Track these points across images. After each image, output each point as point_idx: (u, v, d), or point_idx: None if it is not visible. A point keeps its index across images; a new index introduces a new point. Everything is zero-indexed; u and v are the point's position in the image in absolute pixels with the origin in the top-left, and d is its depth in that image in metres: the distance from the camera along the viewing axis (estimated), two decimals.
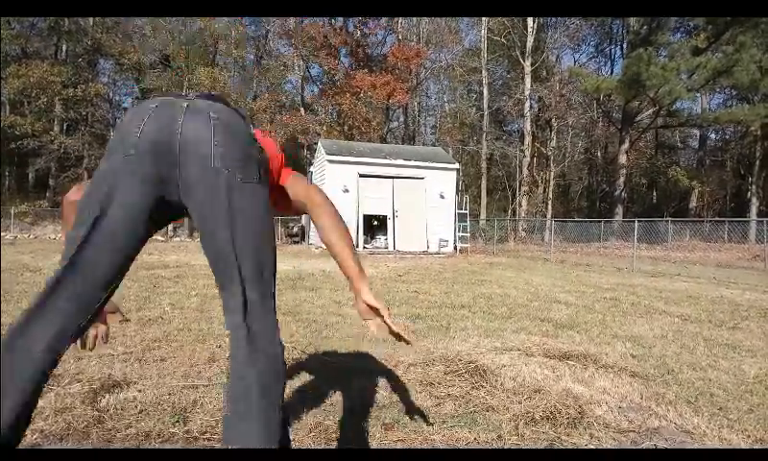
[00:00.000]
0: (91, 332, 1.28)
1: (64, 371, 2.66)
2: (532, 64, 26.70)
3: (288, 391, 2.48)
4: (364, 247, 15.47)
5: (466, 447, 1.95)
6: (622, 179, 25.27)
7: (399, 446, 1.94)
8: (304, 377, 2.70)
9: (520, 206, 26.64)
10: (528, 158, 27.05)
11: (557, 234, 20.23)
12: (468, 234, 18.05)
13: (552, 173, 27.99)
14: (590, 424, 2.17)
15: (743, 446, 2.04)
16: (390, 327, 1.21)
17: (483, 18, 27.15)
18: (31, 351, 0.93)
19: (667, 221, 20.15)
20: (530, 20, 26.20)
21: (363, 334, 3.66)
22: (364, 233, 15.73)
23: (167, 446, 1.88)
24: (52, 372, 0.97)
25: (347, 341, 3.53)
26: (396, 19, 28.53)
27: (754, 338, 4.17)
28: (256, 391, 0.96)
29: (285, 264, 10.34)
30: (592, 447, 1.98)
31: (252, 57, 30.03)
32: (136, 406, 2.20)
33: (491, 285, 7.31)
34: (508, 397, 2.45)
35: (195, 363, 2.92)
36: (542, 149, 29.13)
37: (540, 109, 29.00)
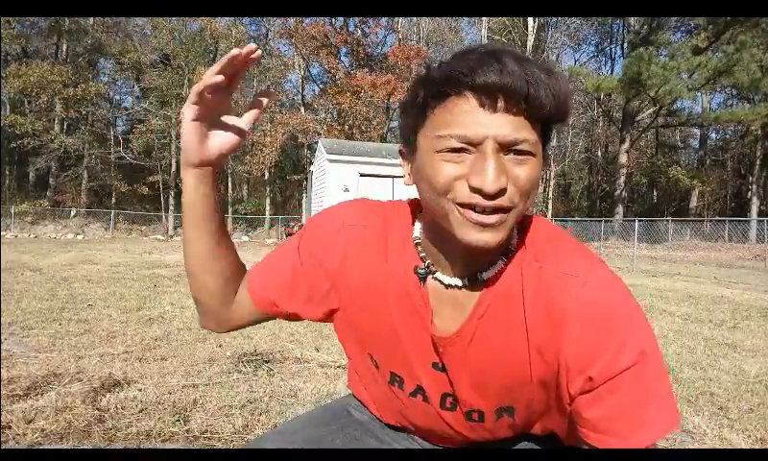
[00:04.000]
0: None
1: (65, 370, 2.66)
2: None
3: (288, 390, 2.49)
4: None
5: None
6: (622, 178, 25.26)
7: None
8: (305, 376, 2.70)
9: None
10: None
11: None
12: None
13: (552, 172, 27.97)
14: None
15: (743, 445, 2.04)
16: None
17: (483, 18, 27.14)
18: None
19: (668, 220, 20.16)
20: (530, 20, 26.18)
21: None
22: None
23: (168, 445, 1.88)
24: None
25: None
26: (396, 19, 28.52)
27: (754, 338, 4.17)
28: None
29: None
30: None
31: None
32: (137, 405, 2.20)
33: None
34: None
35: (195, 362, 2.92)
36: None
37: None
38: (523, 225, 0.70)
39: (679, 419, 0.64)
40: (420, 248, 0.71)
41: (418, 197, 0.71)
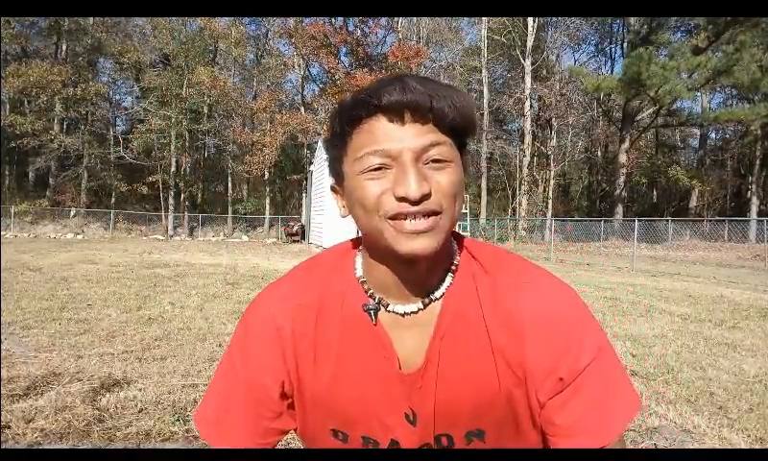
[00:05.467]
0: None
1: (64, 370, 2.66)
2: (532, 64, 26.67)
3: None
4: None
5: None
6: (622, 178, 25.27)
7: None
8: None
9: (520, 205, 26.63)
10: (528, 158, 27.03)
11: (557, 234, 20.23)
12: (469, 234, 18.05)
13: (552, 172, 27.95)
14: None
15: (743, 445, 2.04)
16: None
17: (483, 18, 27.15)
18: None
19: (667, 220, 20.17)
20: (530, 20, 26.19)
21: None
22: None
23: (167, 445, 1.88)
24: None
25: None
26: (396, 19, 28.52)
27: (754, 337, 4.17)
28: None
29: (286, 263, 10.33)
30: None
31: (252, 56, 30.02)
32: (136, 405, 2.20)
33: None
34: None
35: (195, 362, 2.92)
36: (543, 148, 29.11)
37: (540, 109, 28.97)
38: (463, 244, 0.73)
39: (640, 401, 0.68)
40: (366, 285, 0.72)
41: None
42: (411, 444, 0.72)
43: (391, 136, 0.61)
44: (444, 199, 0.62)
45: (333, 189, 0.72)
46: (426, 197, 0.61)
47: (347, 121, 0.64)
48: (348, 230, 14.93)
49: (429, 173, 0.62)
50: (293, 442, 1.97)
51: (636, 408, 0.66)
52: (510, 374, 0.67)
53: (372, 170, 0.62)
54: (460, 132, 0.65)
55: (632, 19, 25.20)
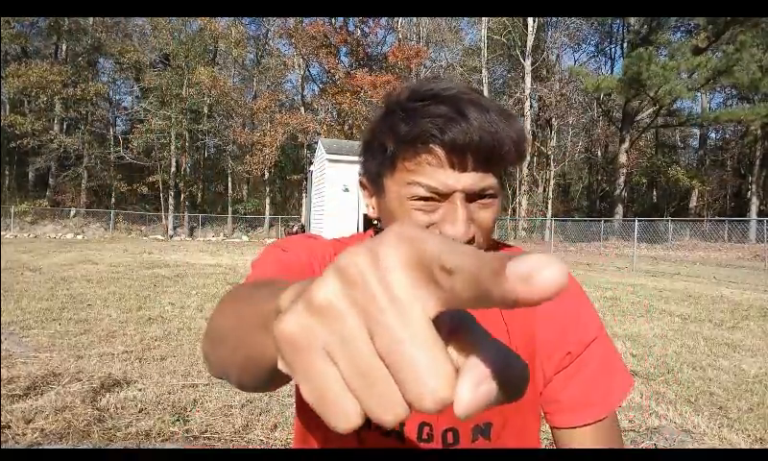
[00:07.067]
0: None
1: (64, 370, 2.66)
2: (532, 64, 26.67)
3: (288, 389, 2.48)
4: None
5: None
6: (622, 178, 25.27)
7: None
8: None
9: (520, 205, 26.63)
10: (528, 158, 27.04)
11: (557, 234, 20.24)
12: None
13: (552, 172, 27.96)
14: None
15: (743, 445, 2.04)
16: None
17: (483, 18, 27.16)
18: None
19: (667, 220, 20.18)
20: (530, 20, 26.19)
21: None
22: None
23: (167, 445, 1.88)
24: None
25: None
26: (396, 19, 28.53)
27: (753, 337, 4.17)
28: None
29: None
30: None
31: (252, 56, 30.02)
32: (136, 405, 2.20)
33: None
34: None
35: (195, 362, 2.92)
36: (543, 148, 29.12)
37: (540, 109, 28.97)
38: None
39: (633, 380, 0.73)
40: None
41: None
42: (412, 420, 0.70)
43: (446, 175, 0.60)
44: (482, 237, 0.64)
45: (362, 185, 0.71)
46: (471, 241, 0.62)
47: (398, 144, 0.61)
48: (348, 231, 14.92)
49: (475, 209, 0.62)
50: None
51: (631, 385, 0.72)
52: (522, 345, 0.68)
53: (419, 199, 0.61)
54: (512, 166, 0.65)
55: (632, 19, 25.20)
